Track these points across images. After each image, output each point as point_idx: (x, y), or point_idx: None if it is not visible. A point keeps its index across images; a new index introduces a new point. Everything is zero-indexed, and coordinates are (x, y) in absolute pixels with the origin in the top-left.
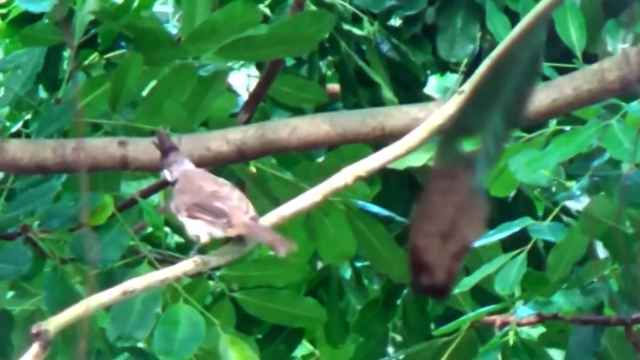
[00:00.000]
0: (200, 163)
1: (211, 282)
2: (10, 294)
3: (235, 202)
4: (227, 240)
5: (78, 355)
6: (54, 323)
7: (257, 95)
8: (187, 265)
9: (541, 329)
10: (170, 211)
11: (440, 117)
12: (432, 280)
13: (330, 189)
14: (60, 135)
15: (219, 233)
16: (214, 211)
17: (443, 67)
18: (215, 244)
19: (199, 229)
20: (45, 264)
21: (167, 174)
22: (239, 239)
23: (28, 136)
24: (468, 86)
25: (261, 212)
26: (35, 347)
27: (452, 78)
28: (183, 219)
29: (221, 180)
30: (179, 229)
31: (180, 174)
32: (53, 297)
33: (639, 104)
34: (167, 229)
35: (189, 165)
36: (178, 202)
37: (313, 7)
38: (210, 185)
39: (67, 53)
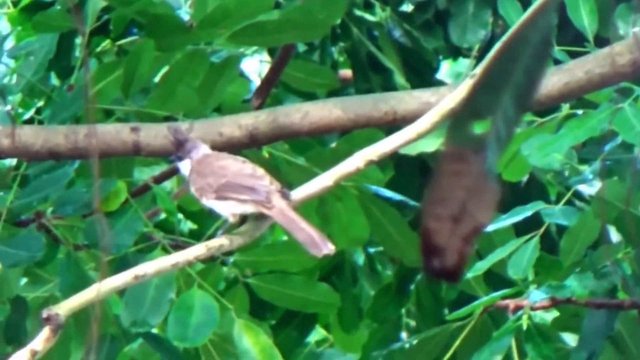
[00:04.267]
0: (212, 148)
1: (225, 268)
2: (24, 280)
3: (264, 180)
4: (242, 221)
5: (91, 340)
6: (65, 307)
7: (269, 81)
8: (199, 249)
9: (554, 313)
10: (189, 194)
11: (451, 101)
12: (443, 263)
13: (341, 173)
14: (72, 121)
15: (251, 210)
16: (245, 190)
17: (455, 53)
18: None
19: (231, 209)
20: (59, 250)
21: (186, 164)
22: (260, 217)
23: (40, 123)
24: (479, 70)
25: None
26: (45, 331)
27: (464, 63)
28: (210, 201)
29: (240, 158)
30: (192, 215)
31: (199, 158)
32: (67, 283)
33: None
34: (180, 215)
35: (206, 149)
36: (202, 185)
37: None
38: (234, 164)
39: (79, 40)
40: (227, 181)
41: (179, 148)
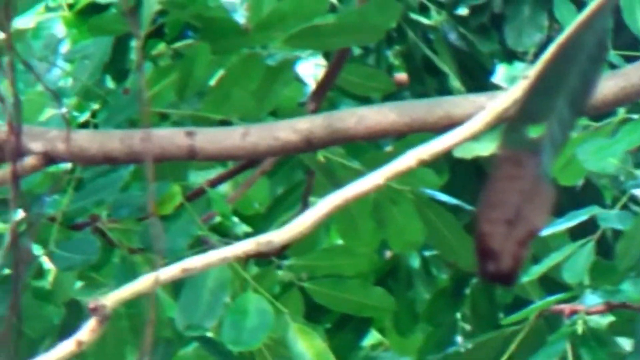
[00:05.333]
0: (268, 152)
1: (280, 272)
2: (79, 284)
3: None
4: None
5: (145, 342)
6: (113, 298)
7: (324, 85)
8: (248, 244)
9: (610, 318)
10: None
11: (505, 102)
12: (498, 267)
13: (393, 172)
14: (127, 125)
15: None
16: None
17: (510, 56)
18: None
19: None
20: (114, 253)
21: None
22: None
23: (96, 126)
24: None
25: None
26: (92, 322)
27: (519, 67)
28: None
29: None
30: (247, 219)
31: None
32: (122, 286)
33: None
34: (235, 219)
35: None
36: None
37: None
38: None
39: (134, 43)
40: None
41: None
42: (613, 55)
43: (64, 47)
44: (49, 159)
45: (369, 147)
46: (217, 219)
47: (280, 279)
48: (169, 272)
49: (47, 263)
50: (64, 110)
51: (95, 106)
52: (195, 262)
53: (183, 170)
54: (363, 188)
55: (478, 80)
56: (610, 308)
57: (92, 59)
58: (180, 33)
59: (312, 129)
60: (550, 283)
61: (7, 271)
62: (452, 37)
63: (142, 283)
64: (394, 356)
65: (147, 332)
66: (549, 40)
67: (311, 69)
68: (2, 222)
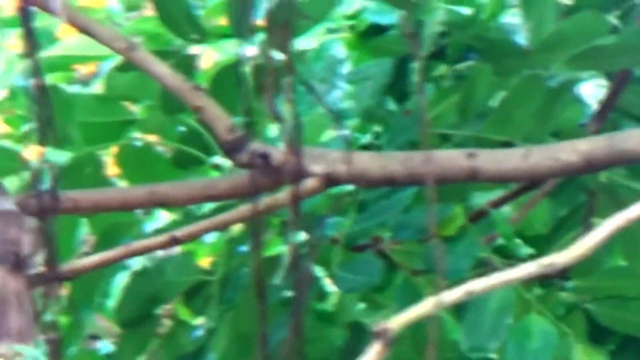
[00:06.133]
0: (549, 174)
1: (563, 294)
2: (362, 305)
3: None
4: None
5: None
6: (397, 322)
7: (606, 106)
8: (530, 267)
9: None
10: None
11: None
12: None
13: None
14: (409, 147)
15: None
16: None
17: None
18: None
19: None
20: (396, 275)
21: None
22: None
23: (377, 148)
24: None
25: None
26: (377, 346)
27: None
28: None
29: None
30: (530, 240)
31: None
32: (404, 308)
33: None
34: (518, 240)
35: (4, 202)
36: None
37: None
38: None
39: (415, 64)
40: None
41: None
42: None
43: (345, 69)
44: (330, 181)
45: None
46: (500, 240)
47: (563, 301)
48: (452, 294)
49: (329, 285)
50: (345, 132)
51: (377, 128)
52: (478, 284)
53: (465, 192)
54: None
55: None
56: None
57: (374, 81)
58: (461, 54)
59: (593, 150)
60: None
61: (288, 293)
62: None
63: (425, 305)
64: None
65: (430, 355)
66: None
67: (592, 89)
68: (283, 244)
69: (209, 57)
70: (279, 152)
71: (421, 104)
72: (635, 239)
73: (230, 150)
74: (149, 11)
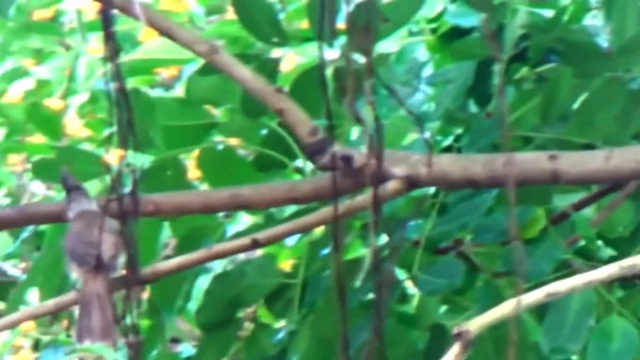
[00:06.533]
0: (631, 175)
1: None
2: (443, 308)
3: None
4: None
5: None
6: (476, 323)
7: None
8: (612, 268)
9: None
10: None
11: None
12: None
13: None
14: (490, 149)
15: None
16: (76, 258)
17: None
18: None
19: (75, 274)
20: (478, 277)
21: (68, 213)
22: None
23: (458, 150)
24: None
25: None
26: (456, 347)
27: None
28: (69, 264)
29: (100, 220)
30: (612, 242)
31: (76, 213)
32: (485, 310)
33: None
34: (599, 242)
35: (85, 205)
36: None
37: None
38: (82, 229)
39: (497, 67)
40: (68, 247)
41: (66, 195)
42: None
43: (427, 71)
44: (412, 183)
45: None
46: (581, 242)
47: None
48: (533, 296)
49: (410, 287)
50: (427, 134)
51: (458, 130)
52: (559, 286)
53: (546, 194)
54: None
55: None
56: None
57: (455, 83)
58: (543, 57)
59: None
60: None
61: (369, 296)
62: None
63: (506, 307)
64: None
65: (511, 356)
66: None
67: None
68: (364, 246)
69: (290, 60)
70: (360, 155)
71: (502, 107)
72: None
73: (312, 152)
74: (231, 14)
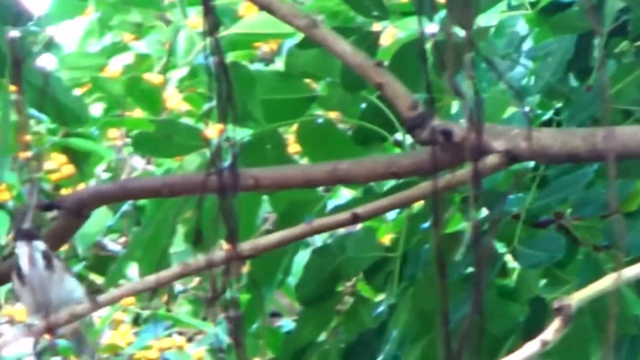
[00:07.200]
0: None
1: None
2: (544, 281)
3: None
4: None
5: (609, 339)
6: (577, 297)
7: None
8: None
9: None
10: None
11: None
12: None
13: None
14: (590, 123)
15: None
16: None
17: None
18: None
19: None
20: (578, 251)
21: None
22: None
23: (558, 124)
24: None
25: None
26: (556, 322)
27: None
28: None
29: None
30: None
31: None
32: (585, 284)
33: None
34: None
35: None
36: None
37: None
38: None
39: (597, 40)
40: None
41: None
42: None
43: (527, 45)
44: (512, 157)
45: None
46: None
47: None
48: (634, 270)
49: (511, 261)
50: (526, 108)
51: (558, 104)
52: None
53: None
54: None
55: None
56: None
57: (555, 57)
58: None
59: None
60: None
61: (469, 269)
62: None
63: (606, 281)
64: None
65: (610, 329)
66: None
67: None
68: (464, 220)
69: (390, 34)
70: (460, 129)
71: (602, 80)
72: None
73: (411, 127)
74: None
